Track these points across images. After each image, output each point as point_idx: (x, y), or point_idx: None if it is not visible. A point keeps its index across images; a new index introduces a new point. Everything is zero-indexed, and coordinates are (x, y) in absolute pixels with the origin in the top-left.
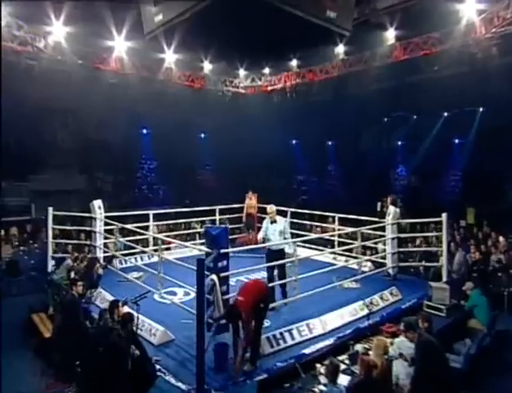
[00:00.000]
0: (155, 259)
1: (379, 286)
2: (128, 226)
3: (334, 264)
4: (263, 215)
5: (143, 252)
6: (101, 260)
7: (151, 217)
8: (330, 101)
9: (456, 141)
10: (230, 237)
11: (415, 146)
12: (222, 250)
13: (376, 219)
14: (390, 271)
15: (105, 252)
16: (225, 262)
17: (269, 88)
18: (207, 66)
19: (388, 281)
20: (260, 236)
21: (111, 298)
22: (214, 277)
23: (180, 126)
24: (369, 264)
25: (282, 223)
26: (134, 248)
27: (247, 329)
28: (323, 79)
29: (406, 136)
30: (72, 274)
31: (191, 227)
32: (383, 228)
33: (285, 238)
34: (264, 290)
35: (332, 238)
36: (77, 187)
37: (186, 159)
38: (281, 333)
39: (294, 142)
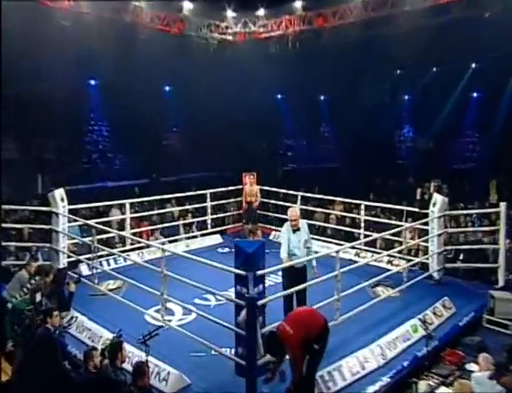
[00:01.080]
0: (130, 262)
1: (425, 295)
2: (105, 219)
3: (356, 262)
4: (266, 200)
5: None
6: (66, 269)
7: (128, 208)
8: (340, 50)
9: (475, 94)
10: (221, 227)
11: (426, 102)
12: (260, 272)
13: (413, 210)
14: (435, 274)
15: (69, 257)
16: (261, 286)
17: (264, 35)
18: (186, 5)
19: (433, 287)
20: (285, 254)
21: (93, 326)
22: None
23: (143, 78)
24: (402, 262)
25: (305, 228)
26: (110, 248)
27: (294, 369)
28: (336, 25)
29: (419, 90)
30: (38, 297)
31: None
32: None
33: (308, 248)
34: (322, 326)
35: (353, 230)
36: (7, 157)
37: (149, 119)
38: (330, 373)
39: (279, 96)
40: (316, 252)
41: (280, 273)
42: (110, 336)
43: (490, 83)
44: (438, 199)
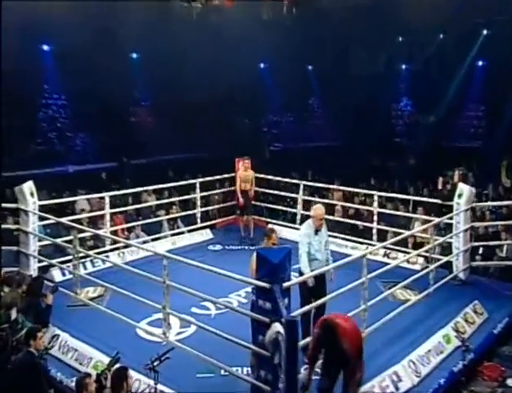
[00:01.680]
0: (108, 264)
1: (451, 298)
2: (87, 215)
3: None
4: (261, 190)
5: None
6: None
7: (107, 202)
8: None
9: (480, 63)
10: (210, 222)
11: (429, 72)
12: (287, 284)
13: (432, 201)
14: (461, 275)
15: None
16: (286, 300)
17: None
18: None
19: (459, 288)
20: (305, 259)
21: (79, 345)
22: (280, 327)
23: (107, 44)
24: (420, 260)
25: (325, 228)
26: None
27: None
28: None
29: (422, 60)
30: (13, 314)
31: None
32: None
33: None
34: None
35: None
36: None
37: (112, 92)
38: None
39: (262, 65)
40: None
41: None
42: (102, 357)
43: (501, 52)
44: (465, 189)
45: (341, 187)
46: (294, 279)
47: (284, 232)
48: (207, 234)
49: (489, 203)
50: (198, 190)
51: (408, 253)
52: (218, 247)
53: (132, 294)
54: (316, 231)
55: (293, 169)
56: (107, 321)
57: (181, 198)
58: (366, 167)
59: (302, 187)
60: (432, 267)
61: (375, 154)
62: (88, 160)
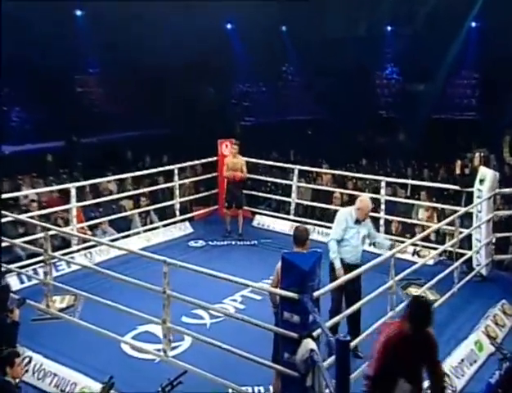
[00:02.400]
0: (75, 267)
1: (475, 297)
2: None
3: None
4: (252, 177)
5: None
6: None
7: (74, 194)
8: None
9: (473, 24)
10: (188, 214)
11: (418, 35)
12: (318, 294)
13: (452, 187)
14: (483, 270)
15: None
16: (316, 310)
17: None
18: None
19: (481, 286)
20: (334, 246)
21: (58, 368)
22: (313, 344)
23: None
24: (432, 253)
25: (369, 222)
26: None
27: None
28: None
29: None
30: None
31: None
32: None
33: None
34: None
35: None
36: None
37: (52, 56)
38: None
39: (229, 26)
40: None
41: None
42: (88, 381)
43: (500, 13)
44: (488, 174)
45: (352, 174)
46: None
47: (268, 221)
48: (186, 228)
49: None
50: (176, 177)
51: (428, 248)
52: (201, 243)
53: (110, 302)
54: (357, 221)
55: (269, 147)
56: (84, 336)
57: (161, 186)
58: (352, 145)
59: (297, 172)
60: (457, 263)
61: (360, 129)
62: (28, 139)
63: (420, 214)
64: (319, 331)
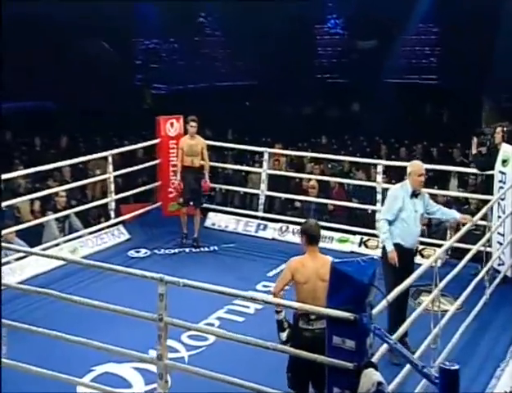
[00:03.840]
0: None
1: (500, 303)
2: None
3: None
4: (215, 165)
5: None
6: None
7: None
8: None
9: None
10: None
11: None
12: (377, 311)
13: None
14: (509, 273)
15: None
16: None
17: None
18: None
19: (505, 290)
20: (386, 227)
21: None
22: (379, 376)
23: None
24: (438, 251)
25: (425, 195)
26: None
27: None
28: None
29: None
30: None
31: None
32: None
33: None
34: None
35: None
36: None
37: None
38: None
39: None
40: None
41: None
42: None
43: None
44: None
45: (350, 158)
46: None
47: (226, 221)
48: (120, 234)
49: None
50: (111, 167)
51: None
52: (144, 253)
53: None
54: (413, 194)
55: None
56: (22, 381)
57: (87, 181)
58: (297, 117)
59: (267, 156)
60: (488, 265)
61: (305, 99)
62: None
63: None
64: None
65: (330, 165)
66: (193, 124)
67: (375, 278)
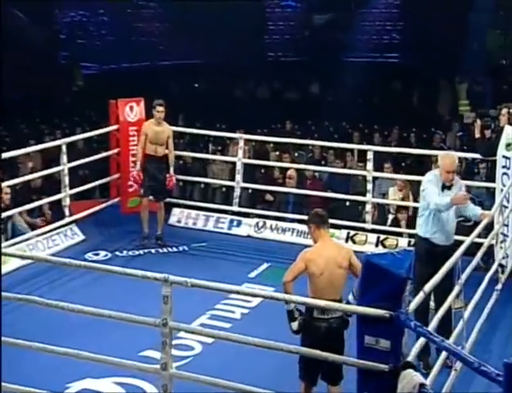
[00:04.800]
0: None
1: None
2: None
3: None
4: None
5: None
6: None
7: None
8: None
9: None
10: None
11: None
12: (413, 307)
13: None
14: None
15: None
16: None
17: None
18: None
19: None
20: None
21: None
22: (420, 377)
23: None
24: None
25: (459, 185)
26: None
27: None
28: None
29: None
30: None
31: None
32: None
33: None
34: None
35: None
36: None
37: None
38: None
39: None
40: None
41: None
42: None
43: None
44: None
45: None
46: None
47: (194, 218)
48: (74, 234)
49: None
50: (65, 157)
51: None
52: (104, 255)
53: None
54: (444, 187)
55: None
56: None
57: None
58: (253, 101)
59: (242, 144)
60: (498, 258)
61: (257, 80)
62: None
63: (392, 194)
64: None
65: (296, 154)
66: (160, 108)
67: (411, 272)
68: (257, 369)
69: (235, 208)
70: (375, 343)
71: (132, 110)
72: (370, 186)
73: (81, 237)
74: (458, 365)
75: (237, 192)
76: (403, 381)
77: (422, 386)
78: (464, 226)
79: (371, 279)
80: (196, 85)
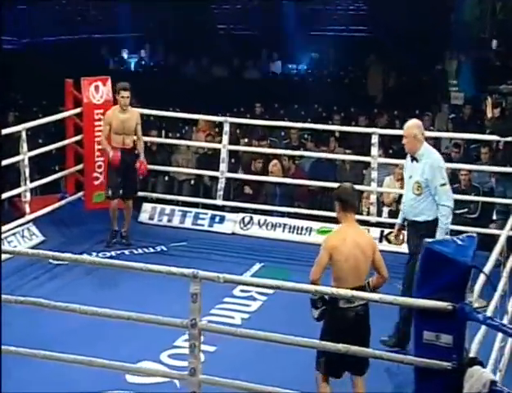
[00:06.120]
0: None
1: None
2: None
3: None
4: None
5: None
6: None
7: None
8: None
9: None
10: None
11: None
12: (475, 296)
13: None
14: None
15: None
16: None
17: None
18: None
19: None
20: None
21: None
22: (490, 374)
23: None
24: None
25: (425, 166)
26: None
27: None
28: None
29: None
30: None
31: None
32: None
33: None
34: None
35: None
36: None
37: None
38: None
39: None
40: None
41: None
42: None
43: None
44: None
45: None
46: None
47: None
48: (32, 235)
49: None
50: (25, 145)
51: None
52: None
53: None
54: (412, 158)
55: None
56: None
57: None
58: (210, 81)
59: (227, 128)
60: None
61: (210, 57)
62: None
63: (387, 183)
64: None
65: (268, 140)
66: (124, 93)
67: (474, 260)
68: (278, 370)
69: (219, 202)
70: (436, 339)
71: (97, 90)
72: (374, 174)
73: (40, 237)
74: None
75: (222, 184)
76: (471, 379)
77: (493, 383)
78: (467, 217)
79: (432, 269)
80: (143, 62)
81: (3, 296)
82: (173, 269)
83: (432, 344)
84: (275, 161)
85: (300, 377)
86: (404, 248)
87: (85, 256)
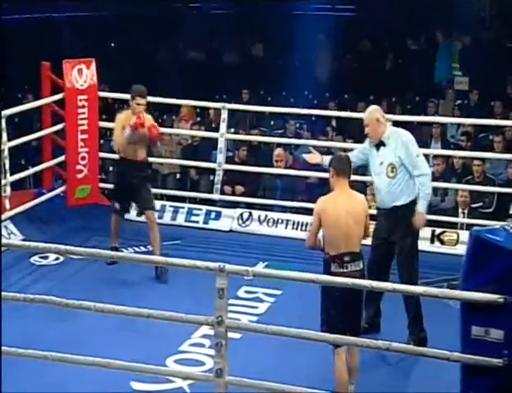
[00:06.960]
0: None
1: None
2: None
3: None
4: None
5: None
6: None
7: None
8: None
9: None
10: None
11: None
12: None
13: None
14: None
15: None
16: None
17: None
18: None
19: None
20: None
21: None
22: None
23: None
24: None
25: (397, 144)
26: None
27: None
28: None
29: None
30: None
31: None
32: None
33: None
34: None
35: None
36: None
37: None
38: None
39: None
40: None
41: None
42: None
43: None
44: None
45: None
46: None
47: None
48: (10, 234)
49: None
50: (5, 135)
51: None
52: (54, 258)
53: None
54: (375, 145)
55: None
56: None
57: None
58: (189, 63)
59: (225, 115)
60: None
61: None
62: None
63: None
64: None
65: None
66: (141, 100)
67: None
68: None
69: (216, 196)
70: (485, 334)
71: (80, 73)
72: None
73: (19, 236)
74: None
75: (219, 176)
76: None
77: None
78: (482, 212)
79: (481, 259)
80: (113, 44)
81: (11, 295)
82: (198, 263)
83: (481, 339)
84: (277, 152)
85: (320, 374)
86: (459, 249)
87: (101, 251)
